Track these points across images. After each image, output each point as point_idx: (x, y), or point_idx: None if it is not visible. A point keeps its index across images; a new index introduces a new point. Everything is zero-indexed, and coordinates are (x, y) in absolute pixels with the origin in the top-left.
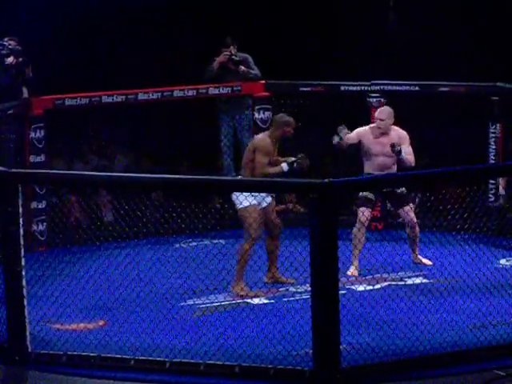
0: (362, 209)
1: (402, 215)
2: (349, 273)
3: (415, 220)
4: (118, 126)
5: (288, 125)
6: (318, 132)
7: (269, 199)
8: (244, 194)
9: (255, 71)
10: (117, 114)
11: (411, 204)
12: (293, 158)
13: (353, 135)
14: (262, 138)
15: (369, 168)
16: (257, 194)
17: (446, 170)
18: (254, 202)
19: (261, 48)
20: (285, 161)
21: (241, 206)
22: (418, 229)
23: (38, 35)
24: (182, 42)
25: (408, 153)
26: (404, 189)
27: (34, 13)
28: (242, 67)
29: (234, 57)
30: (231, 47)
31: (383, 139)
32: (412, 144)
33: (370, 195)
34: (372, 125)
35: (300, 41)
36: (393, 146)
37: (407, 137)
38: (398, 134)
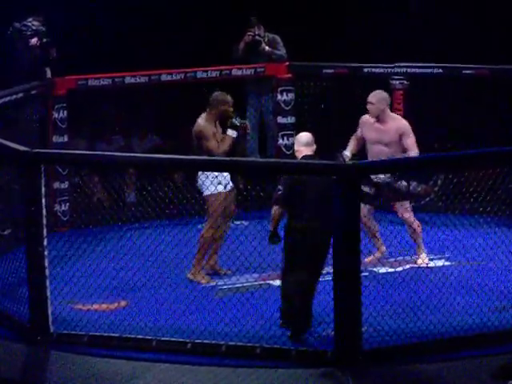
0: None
1: (399, 213)
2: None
3: (411, 219)
4: (142, 107)
5: (224, 103)
6: (342, 114)
7: (231, 184)
8: (211, 179)
9: (280, 52)
10: (140, 95)
11: (407, 204)
12: (235, 121)
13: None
14: (198, 123)
15: (368, 157)
16: (223, 178)
17: (469, 152)
18: (222, 188)
19: (286, 29)
20: (229, 127)
21: (208, 192)
22: (416, 227)
23: (62, 15)
24: (209, 22)
25: (409, 145)
26: (403, 183)
27: None
28: (266, 47)
29: (257, 37)
30: (255, 27)
31: (379, 126)
32: (418, 134)
33: (370, 189)
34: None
35: (324, 24)
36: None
37: (408, 128)
38: (398, 124)
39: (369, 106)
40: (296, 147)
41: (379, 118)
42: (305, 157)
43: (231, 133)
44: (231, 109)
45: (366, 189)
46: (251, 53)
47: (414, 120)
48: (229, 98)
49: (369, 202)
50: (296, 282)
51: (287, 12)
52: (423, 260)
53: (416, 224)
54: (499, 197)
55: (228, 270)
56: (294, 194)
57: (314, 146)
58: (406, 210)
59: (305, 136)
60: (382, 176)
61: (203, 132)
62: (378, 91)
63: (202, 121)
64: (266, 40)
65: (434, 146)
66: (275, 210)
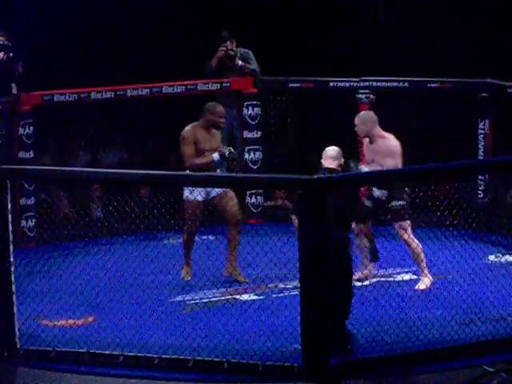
0: None
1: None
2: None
3: (405, 237)
4: (106, 122)
5: (211, 113)
6: (307, 128)
7: (219, 189)
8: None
9: (253, 66)
10: (106, 110)
11: (404, 222)
12: (227, 150)
13: None
14: (186, 128)
15: None
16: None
17: (435, 166)
18: (198, 196)
19: (256, 45)
20: (219, 151)
21: (184, 198)
22: (414, 246)
23: (27, 30)
24: (178, 38)
25: (389, 167)
26: (400, 202)
27: (23, 7)
28: (240, 62)
29: (230, 51)
30: (228, 42)
31: (371, 146)
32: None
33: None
34: None
35: (293, 38)
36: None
37: (394, 150)
38: (386, 143)
39: (355, 128)
40: (323, 160)
41: (370, 139)
42: (326, 169)
43: (214, 156)
44: (221, 120)
45: (367, 203)
46: (224, 68)
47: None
48: (218, 109)
49: (367, 217)
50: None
51: (253, 26)
52: (426, 284)
53: (414, 244)
54: (465, 210)
55: (245, 278)
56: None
57: (342, 160)
58: (400, 228)
59: (332, 150)
60: (377, 192)
61: (183, 136)
62: (363, 112)
63: (188, 126)
64: (239, 55)
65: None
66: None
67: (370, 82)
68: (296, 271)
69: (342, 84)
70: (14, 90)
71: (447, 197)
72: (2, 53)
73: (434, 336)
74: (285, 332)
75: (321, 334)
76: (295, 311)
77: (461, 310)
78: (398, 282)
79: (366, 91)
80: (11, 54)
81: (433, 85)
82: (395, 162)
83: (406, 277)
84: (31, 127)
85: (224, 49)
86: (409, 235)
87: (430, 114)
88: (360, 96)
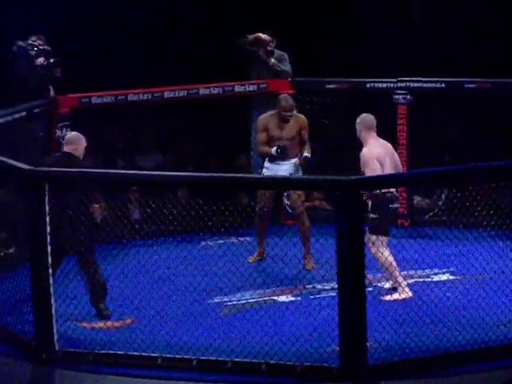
0: None
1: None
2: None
3: (373, 251)
4: (144, 125)
5: (278, 105)
6: (345, 129)
7: (285, 168)
8: (266, 166)
9: (285, 67)
10: (143, 113)
11: (372, 236)
12: (280, 144)
13: None
14: (261, 116)
15: None
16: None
17: (474, 166)
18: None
19: (291, 45)
20: (277, 145)
21: None
22: (383, 260)
23: (63, 32)
24: (211, 40)
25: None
26: (373, 216)
27: (59, 9)
28: (273, 60)
29: (269, 47)
30: (269, 40)
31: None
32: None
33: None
34: None
35: (327, 39)
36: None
37: (365, 160)
38: (363, 151)
39: None
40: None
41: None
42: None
43: (273, 150)
44: (286, 113)
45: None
46: (257, 64)
47: (418, 134)
48: (284, 102)
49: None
50: None
51: (288, 27)
52: (402, 296)
53: (383, 258)
54: (502, 210)
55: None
56: None
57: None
58: (369, 241)
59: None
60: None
61: (257, 123)
62: (363, 114)
63: (265, 114)
64: (275, 55)
65: (444, 158)
66: None
67: (407, 83)
68: (333, 272)
69: (379, 85)
70: (52, 93)
71: (485, 197)
72: (42, 58)
73: (473, 337)
74: (322, 333)
75: (359, 335)
76: (333, 312)
77: (498, 311)
78: (435, 282)
79: (403, 91)
80: (52, 60)
81: (470, 85)
82: (369, 171)
83: (444, 277)
84: (68, 129)
85: (267, 40)
86: (377, 249)
87: (467, 114)
88: (397, 97)
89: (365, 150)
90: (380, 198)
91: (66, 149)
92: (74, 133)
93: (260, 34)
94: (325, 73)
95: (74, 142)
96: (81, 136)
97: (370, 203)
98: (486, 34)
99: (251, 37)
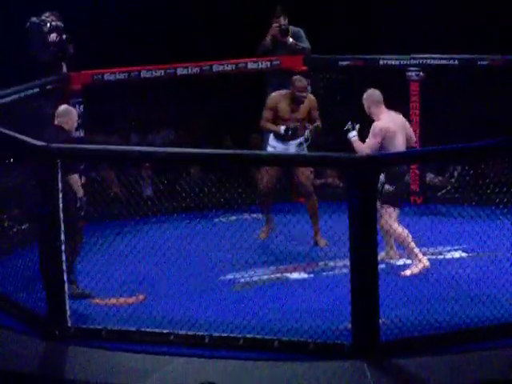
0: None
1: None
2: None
3: (388, 224)
4: (157, 102)
5: (293, 85)
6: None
7: (293, 149)
8: (272, 145)
9: (304, 44)
10: (157, 89)
11: (390, 208)
12: (292, 126)
13: None
14: (272, 94)
15: None
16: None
17: (487, 143)
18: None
19: (305, 22)
20: (286, 126)
21: None
22: (399, 233)
23: (76, 9)
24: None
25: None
26: (390, 188)
27: None
28: (290, 39)
29: (282, 26)
30: (281, 18)
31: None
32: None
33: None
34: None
35: (341, 16)
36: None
37: (375, 131)
38: (373, 124)
39: None
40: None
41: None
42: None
43: (281, 128)
44: (300, 94)
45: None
46: (276, 46)
47: (431, 111)
48: (298, 83)
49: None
50: None
51: (300, 5)
52: (419, 268)
53: (399, 230)
54: None
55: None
56: None
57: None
58: (382, 217)
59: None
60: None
61: (267, 101)
62: (369, 90)
63: (275, 92)
64: (290, 33)
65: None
66: None
67: (420, 60)
68: (346, 249)
69: (392, 62)
70: (65, 69)
71: (498, 174)
72: (55, 34)
73: (485, 314)
74: (335, 310)
75: (371, 312)
76: (345, 289)
77: (511, 288)
78: (448, 259)
79: (416, 68)
80: (64, 36)
81: (482, 62)
82: (370, 143)
83: (456, 254)
84: (81, 106)
85: (277, 25)
86: (393, 222)
87: (480, 91)
88: (410, 73)
89: (377, 123)
90: (397, 170)
91: (56, 122)
92: (64, 106)
93: (272, 32)
94: (335, 50)
95: (64, 114)
96: (70, 108)
97: (382, 175)
98: (499, 12)
99: (267, 39)
